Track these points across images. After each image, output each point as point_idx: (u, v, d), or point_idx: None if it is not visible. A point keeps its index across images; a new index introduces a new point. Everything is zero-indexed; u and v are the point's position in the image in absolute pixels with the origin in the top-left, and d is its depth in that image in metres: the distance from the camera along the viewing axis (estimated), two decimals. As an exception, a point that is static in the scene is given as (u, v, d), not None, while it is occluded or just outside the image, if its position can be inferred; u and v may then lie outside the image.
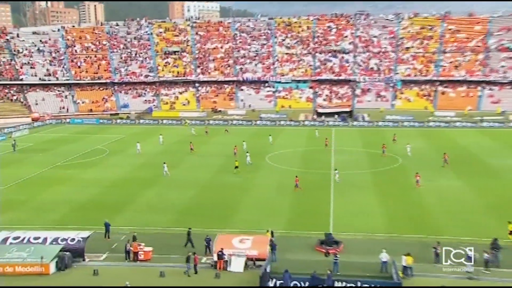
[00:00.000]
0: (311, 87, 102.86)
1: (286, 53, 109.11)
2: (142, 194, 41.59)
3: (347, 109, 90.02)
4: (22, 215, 36.48)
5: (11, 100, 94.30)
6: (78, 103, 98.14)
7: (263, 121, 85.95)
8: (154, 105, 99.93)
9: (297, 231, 33.11)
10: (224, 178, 46.84)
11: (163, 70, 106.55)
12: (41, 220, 35.04)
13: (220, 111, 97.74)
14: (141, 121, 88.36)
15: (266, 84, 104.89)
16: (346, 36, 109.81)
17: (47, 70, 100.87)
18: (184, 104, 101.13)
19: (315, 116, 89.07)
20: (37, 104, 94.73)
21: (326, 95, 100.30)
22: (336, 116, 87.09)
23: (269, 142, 64.55)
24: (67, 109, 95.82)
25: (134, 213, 36.90)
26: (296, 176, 43.12)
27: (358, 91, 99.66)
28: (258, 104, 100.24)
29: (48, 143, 66.64)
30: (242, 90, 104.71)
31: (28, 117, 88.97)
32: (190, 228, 30.96)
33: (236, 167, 49.14)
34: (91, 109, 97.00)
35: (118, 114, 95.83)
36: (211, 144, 65.33)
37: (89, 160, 55.59)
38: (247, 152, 53.80)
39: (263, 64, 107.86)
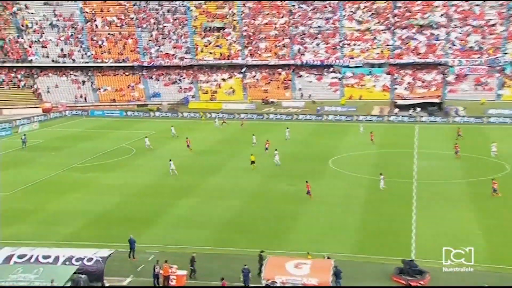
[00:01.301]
0: (388, 73, 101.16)
1: (357, 30, 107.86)
2: (175, 204, 42.12)
3: (436, 101, 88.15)
4: (29, 228, 37.62)
5: (18, 86, 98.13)
6: (99, 91, 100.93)
7: (324, 116, 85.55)
8: (191, 95, 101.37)
9: (368, 255, 32.55)
10: (275, 186, 46.77)
11: (202, 52, 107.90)
12: (51, 235, 36.01)
13: (272, 102, 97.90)
14: (175, 114, 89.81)
15: (331, 69, 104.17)
16: (436, 6, 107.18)
17: (62, 50, 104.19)
18: (228, 94, 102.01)
19: (395, 110, 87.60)
20: (49, 91, 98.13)
21: (408, 83, 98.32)
22: (419, 109, 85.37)
23: (331, 142, 64.08)
24: (85, 99, 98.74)
25: (165, 228, 37.43)
26: (307, 182, 43.47)
27: (451, 78, 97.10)
28: (320, 94, 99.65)
29: (62, 140, 68.86)
30: (300, 76, 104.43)
31: (38, 107, 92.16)
32: (262, 251, 30.57)
33: (252, 162, 52.32)
34: (114, 99, 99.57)
35: (147, 105, 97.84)
36: (259, 144, 65.62)
37: (111, 161, 56.93)
38: (275, 150, 54.74)
39: (327, 44, 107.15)
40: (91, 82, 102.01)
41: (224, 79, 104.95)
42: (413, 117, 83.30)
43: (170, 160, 51.39)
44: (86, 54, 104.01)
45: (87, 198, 44.02)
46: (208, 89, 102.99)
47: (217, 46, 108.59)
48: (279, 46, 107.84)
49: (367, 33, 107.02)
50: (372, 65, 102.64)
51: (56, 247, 31.35)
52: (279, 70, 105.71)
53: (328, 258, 30.21)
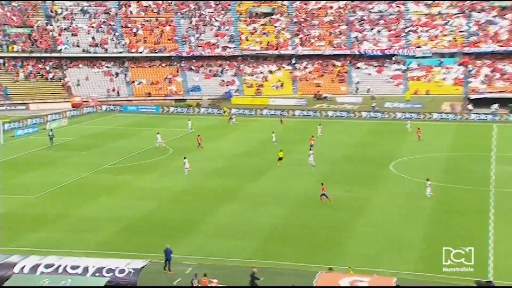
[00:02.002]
0: (461, 64, 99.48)
1: (425, 14, 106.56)
2: (215, 211, 42.51)
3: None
4: (56, 234, 38.52)
5: (46, 78, 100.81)
6: (133, 84, 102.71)
7: (385, 113, 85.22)
8: (234, 89, 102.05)
9: (435, 273, 32.08)
10: (329, 191, 46.53)
11: (247, 40, 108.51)
12: (81, 242, 36.83)
13: (325, 97, 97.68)
14: (215, 110, 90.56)
15: (393, 60, 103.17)
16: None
17: (93, 38, 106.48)
18: (275, 87, 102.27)
19: (468, 106, 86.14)
20: (79, 84, 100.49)
21: (485, 76, 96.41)
22: (498, 106, 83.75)
23: (393, 143, 63.55)
24: (118, 92, 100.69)
25: (204, 237, 37.79)
26: (322, 184, 43.85)
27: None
28: (380, 88, 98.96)
29: (93, 138, 70.33)
30: (358, 68, 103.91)
31: (67, 102, 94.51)
32: (254, 268, 30.32)
33: (280, 158, 54.25)
34: (149, 93, 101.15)
35: (185, 100, 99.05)
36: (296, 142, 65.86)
37: (146, 162, 57.84)
38: (309, 149, 55.69)
39: (390, 30, 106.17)
40: (125, 74, 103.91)
41: (271, 71, 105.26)
42: (491, 115, 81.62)
43: (184, 158, 52.81)
44: (119, 43, 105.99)
45: (119, 202, 44.84)
46: (253, 82, 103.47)
47: (264, 34, 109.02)
48: (334, 33, 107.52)
49: (437, 17, 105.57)
50: (442, 55, 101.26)
51: (85, 256, 32.06)
52: (334, 61, 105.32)
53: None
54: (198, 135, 64.33)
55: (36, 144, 66.46)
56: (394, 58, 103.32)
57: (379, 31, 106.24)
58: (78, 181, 51.17)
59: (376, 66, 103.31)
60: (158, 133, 64.93)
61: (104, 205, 44.27)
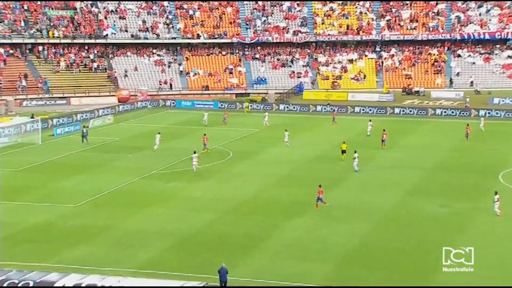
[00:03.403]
0: None
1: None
2: (283, 226, 42.50)
3: None
4: (99, 250, 39.12)
5: (90, 68, 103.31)
6: (188, 75, 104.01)
7: (493, 111, 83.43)
8: (306, 82, 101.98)
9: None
10: (421, 206, 46.20)
11: (323, 24, 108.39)
12: (126, 260, 37.28)
13: (417, 92, 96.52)
14: (286, 106, 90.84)
15: (505, 46, 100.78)
16: None
17: (143, 22, 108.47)
18: (356, 80, 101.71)
19: None
20: (126, 75, 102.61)
21: None
22: None
23: (503, 148, 62.78)
24: (171, 85, 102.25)
25: (269, 256, 37.77)
26: (320, 186, 45.01)
27: None
28: (487, 81, 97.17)
29: (141, 138, 71.45)
30: (458, 56, 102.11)
31: (113, 95, 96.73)
32: None
33: (343, 151, 58.41)
34: (206, 86, 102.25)
35: (248, 94, 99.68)
36: (399, 147, 64.99)
37: (202, 167, 58.09)
38: (355, 152, 55.92)
39: (502, 9, 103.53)
40: (179, 64, 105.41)
41: (351, 61, 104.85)
42: None
43: (194, 153, 55.65)
44: (173, 27, 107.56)
45: (171, 214, 45.30)
46: (330, 74, 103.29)
47: (343, 15, 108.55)
48: (430, 14, 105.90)
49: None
50: None
51: (131, 276, 32.66)
52: (429, 48, 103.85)
53: None
54: (204, 134, 64.76)
55: (77, 145, 68.02)
56: (508, 43, 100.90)
57: (488, 10, 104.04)
58: (124, 188, 52.03)
59: (482, 54, 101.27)
60: (159, 133, 65.72)
61: (154, 217, 44.77)
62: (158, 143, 64.18)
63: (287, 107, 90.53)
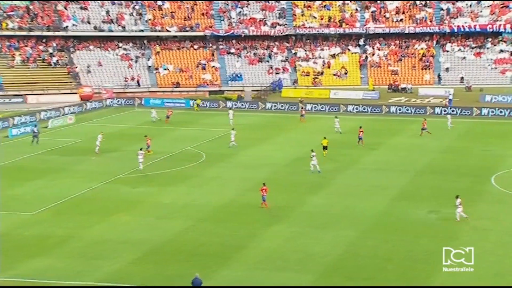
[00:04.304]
0: None
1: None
2: (261, 234, 42.42)
3: None
4: (59, 262, 38.63)
5: (49, 63, 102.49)
6: (157, 71, 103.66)
7: (483, 109, 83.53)
8: (285, 78, 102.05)
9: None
10: (408, 211, 46.35)
11: (303, 15, 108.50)
12: (90, 273, 36.85)
13: (404, 89, 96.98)
14: (260, 105, 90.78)
15: (497, 39, 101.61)
16: None
17: (107, 13, 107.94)
18: (338, 77, 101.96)
19: None
20: (89, 71, 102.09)
21: None
22: None
23: (495, 150, 63.02)
24: (138, 82, 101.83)
25: (247, 267, 37.63)
26: (264, 184, 46.30)
27: None
28: (478, 76, 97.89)
29: (106, 140, 70.30)
30: (446, 51, 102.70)
31: (74, 93, 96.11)
32: None
33: (325, 147, 60.71)
34: (177, 83, 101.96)
35: (223, 92, 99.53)
36: (385, 147, 65.28)
37: (173, 171, 58.15)
38: (312, 151, 56.55)
39: (493, 1, 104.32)
40: (147, 59, 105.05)
41: (333, 56, 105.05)
42: None
43: (141, 149, 57.70)
44: (140, 19, 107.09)
45: (139, 222, 45.02)
46: (310, 69, 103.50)
47: (324, 7, 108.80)
48: (418, 5, 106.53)
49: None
50: None
51: (96, 291, 32.55)
52: (416, 41, 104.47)
53: None
54: (146, 136, 64.57)
55: (35, 147, 67.43)
56: (500, 36, 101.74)
57: (479, 1, 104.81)
58: (87, 194, 51.64)
59: (473, 48, 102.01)
60: (101, 133, 65.70)
61: (120, 225, 44.47)
62: (99, 144, 63.93)
63: (263, 106, 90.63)
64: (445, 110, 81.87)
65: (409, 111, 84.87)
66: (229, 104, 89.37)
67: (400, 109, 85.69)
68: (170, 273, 36.59)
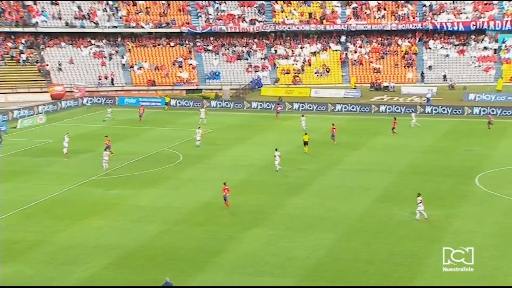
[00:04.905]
0: None
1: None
2: (239, 237, 42.33)
3: None
4: (28, 268, 38.35)
5: (18, 61, 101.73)
6: (132, 69, 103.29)
7: (465, 108, 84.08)
8: (264, 76, 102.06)
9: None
10: (392, 213, 46.48)
11: (282, 12, 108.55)
12: (61, 279, 36.61)
13: (386, 88, 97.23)
14: (240, 104, 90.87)
15: (481, 37, 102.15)
16: None
17: (79, 9, 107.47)
18: (319, 74, 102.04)
19: None
20: (61, 69, 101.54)
21: None
22: None
23: (479, 149, 62.97)
24: (112, 80, 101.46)
25: (225, 271, 37.54)
26: (225, 184, 47.10)
27: None
28: (462, 74, 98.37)
29: (78, 140, 70.42)
30: (429, 49, 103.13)
31: (45, 92, 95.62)
32: None
33: (306, 143, 62.60)
34: (153, 81, 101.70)
35: (200, 90, 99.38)
36: (367, 147, 65.36)
37: (148, 172, 57.94)
38: (275, 150, 57.52)
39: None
40: (121, 56, 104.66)
41: (314, 53, 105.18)
42: None
43: (105, 150, 59.01)
44: (114, 15, 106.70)
45: (113, 226, 44.77)
46: (291, 67, 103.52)
47: (304, 3, 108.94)
48: (400, 3, 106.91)
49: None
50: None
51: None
52: (398, 39, 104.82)
53: None
54: (106, 136, 64.17)
55: (3, 148, 66.94)
56: (483, 34, 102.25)
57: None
58: (58, 197, 51.29)
59: (456, 45, 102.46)
60: (67, 133, 65.31)
61: (93, 230, 44.16)
62: (66, 145, 63.30)
63: (238, 105, 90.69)
64: (409, 110, 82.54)
65: (391, 110, 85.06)
66: (201, 103, 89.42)
67: (382, 108, 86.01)
68: (145, 278, 36.40)
